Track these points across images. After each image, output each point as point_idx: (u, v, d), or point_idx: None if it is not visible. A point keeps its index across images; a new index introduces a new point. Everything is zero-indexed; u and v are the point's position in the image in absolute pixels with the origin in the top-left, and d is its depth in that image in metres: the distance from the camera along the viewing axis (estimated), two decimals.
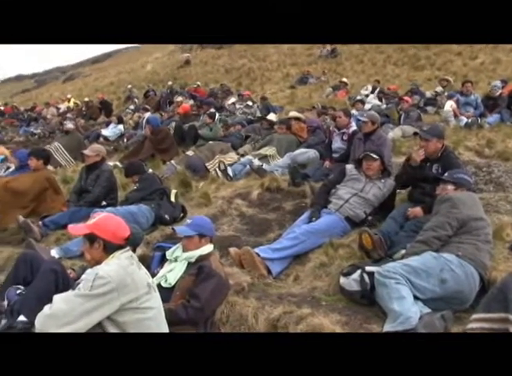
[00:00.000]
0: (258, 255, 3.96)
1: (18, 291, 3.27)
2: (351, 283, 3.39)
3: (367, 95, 12.00)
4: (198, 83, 17.60)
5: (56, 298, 2.42)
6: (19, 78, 56.64)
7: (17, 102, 26.20)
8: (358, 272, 3.38)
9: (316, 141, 7.41)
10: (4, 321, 3.16)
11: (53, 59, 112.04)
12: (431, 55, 17.43)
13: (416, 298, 2.98)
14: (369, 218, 4.55)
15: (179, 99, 13.88)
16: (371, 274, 3.26)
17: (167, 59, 31.38)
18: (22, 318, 3.04)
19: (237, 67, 22.24)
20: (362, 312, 3.21)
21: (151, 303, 2.52)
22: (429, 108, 10.09)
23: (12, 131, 15.06)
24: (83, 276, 3.48)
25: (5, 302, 3.22)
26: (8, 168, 6.64)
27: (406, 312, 2.82)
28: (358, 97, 11.24)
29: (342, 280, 3.46)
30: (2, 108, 21.10)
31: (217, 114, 10.24)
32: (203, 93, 16.04)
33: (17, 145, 11.02)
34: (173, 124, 10.31)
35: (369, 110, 9.33)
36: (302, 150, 7.07)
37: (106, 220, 2.63)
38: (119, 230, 2.59)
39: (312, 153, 6.93)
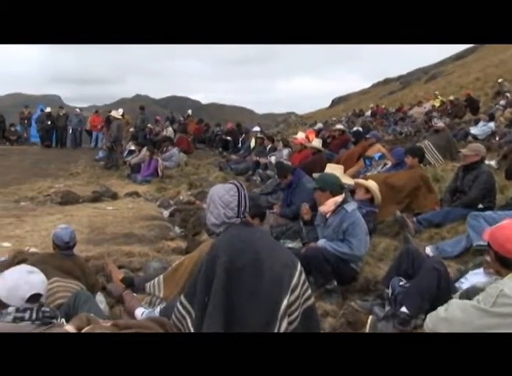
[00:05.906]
0: None
1: (401, 283, 3.46)
2: None
3: None
4: None
5: (453, 302, 2.35)
6: (386, 82, 60.92)
7: (385, 103, 28.20)
8: None
9: None
10: (388, 308, 3.43)
11: (416, 60, 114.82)
12: None
13: None
14: None
15: None
16: None
17: None
18: (404, 309, 3.22)
19: None
20: None
21: None
22: None
23: (382, 130, 16.27)
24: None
25: (390, 291, 3.47)
26: (385, 164, 7.13)
27: None
28: None
29: None
30: (371, 110, 23.08)
31: None
32: None
33: (387, 143, 11.75)
34: None
35: None
36: None
37: (499, 230, 2.32)
38: (508, 243, 2.23)
39: None
